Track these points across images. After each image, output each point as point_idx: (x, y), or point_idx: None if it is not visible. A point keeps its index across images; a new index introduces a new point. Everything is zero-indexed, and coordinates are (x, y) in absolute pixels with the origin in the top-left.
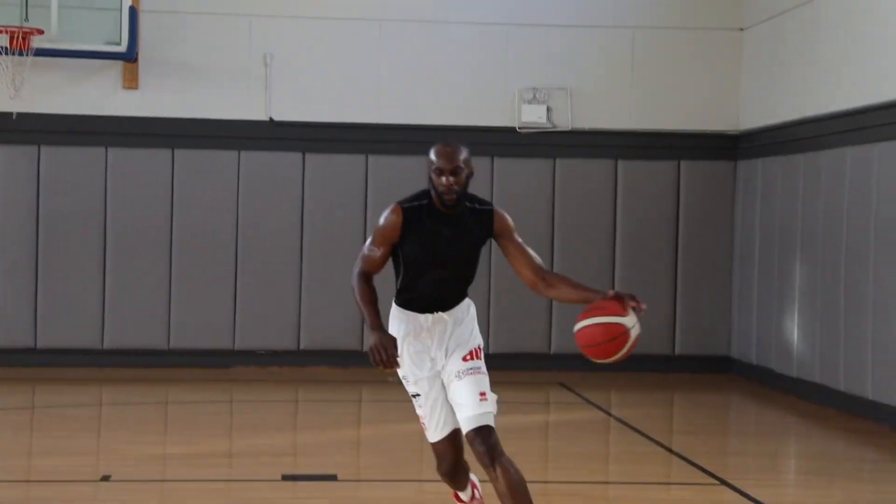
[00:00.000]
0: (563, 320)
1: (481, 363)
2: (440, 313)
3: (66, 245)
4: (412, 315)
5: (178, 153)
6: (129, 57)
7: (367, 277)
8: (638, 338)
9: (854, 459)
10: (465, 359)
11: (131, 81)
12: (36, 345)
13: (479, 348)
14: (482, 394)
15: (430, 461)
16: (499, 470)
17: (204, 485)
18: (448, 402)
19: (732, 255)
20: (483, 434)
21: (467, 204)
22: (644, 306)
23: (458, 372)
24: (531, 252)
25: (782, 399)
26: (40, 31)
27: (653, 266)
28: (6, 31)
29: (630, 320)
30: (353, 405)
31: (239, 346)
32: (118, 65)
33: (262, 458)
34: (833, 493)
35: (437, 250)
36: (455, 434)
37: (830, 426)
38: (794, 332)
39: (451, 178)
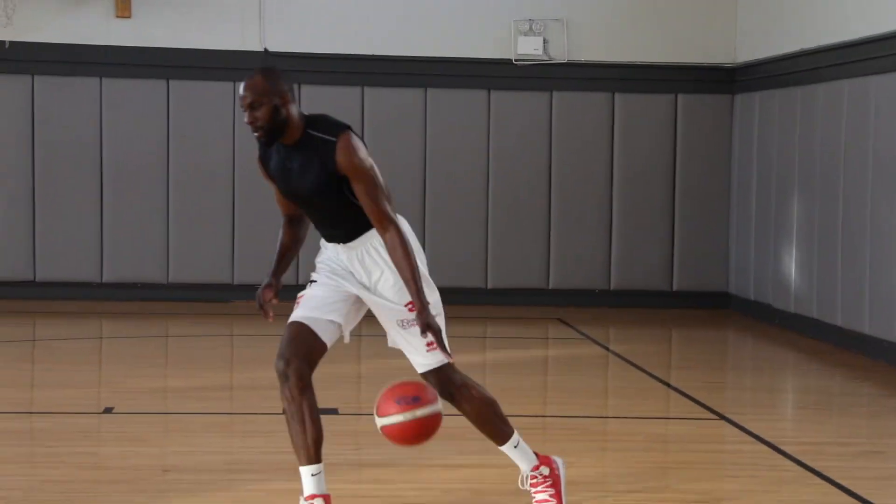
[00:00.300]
0: (561, 254)
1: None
2: (338, 245)
3: (62, 176)
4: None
5: (173, 84)
6: None
7: (286, 220)
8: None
9: (850, 394)
10: (409, 309)
11: (124, 10)
12: (35, 277)
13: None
14: (429, 343)
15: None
16: (458, 401)
17: (206, 418)
18: (339, 303)
19: (730, 189)
20: (437, 374)
21: (312, 132)
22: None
23: (402, 322)
24: (373, 200)
25: (780, 334)
26: None
27: (650, 201)
28: None
29: (439, 401)
30: (353, 340)
31: (238, 279)
32: None
33: (262, 391)
34: (829, 427)
35: (290, 185)
36: (311, 329)
37: (827, 361)
38: (791, 267)
39: (249, 115)
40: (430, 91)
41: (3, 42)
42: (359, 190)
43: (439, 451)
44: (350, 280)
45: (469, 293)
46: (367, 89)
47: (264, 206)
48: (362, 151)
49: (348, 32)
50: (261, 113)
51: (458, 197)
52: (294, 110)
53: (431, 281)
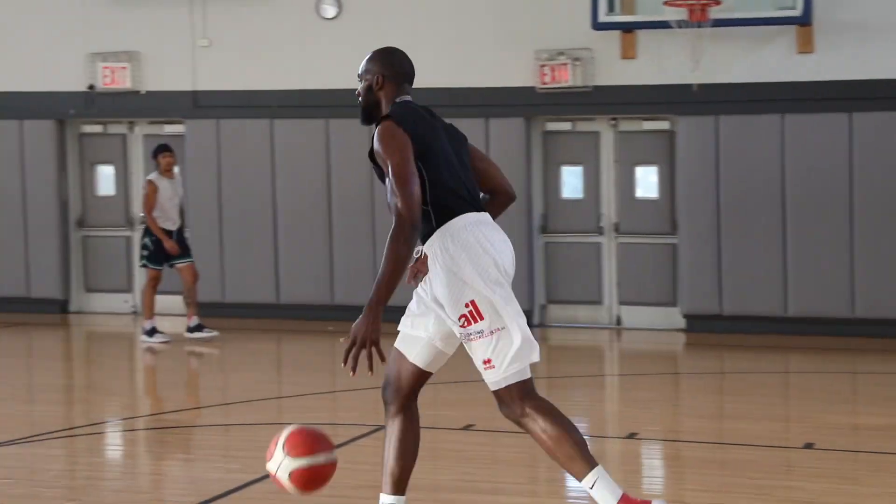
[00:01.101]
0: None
1: (477, 326)
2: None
3: (745, 212)
4: None
5: (857, 117)
6: (804, 20)
7: None
8: None
9: None
10: (461, 325)
11: (806, 45)
12: (721, 311)
13: (471, 305)
14: (486, 361)
15: None
16: (526, 426)
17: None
18: (421, 317)
19: None
20: (498, 395)
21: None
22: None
23: (461, 335)
24: (391, 189)
25: None
26: (717, 2)
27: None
28: (686, 5)
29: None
30: None
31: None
32: (792, 30)
33: None
34: None
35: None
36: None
37: None
38: None
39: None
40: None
41: (691, 86)
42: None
43: None
44: (421, 288)
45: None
46: None
47: None
48: (389, 140)
49: None
50: (359, 90)
51: None
52: (383, 95)
53: (506, 294)
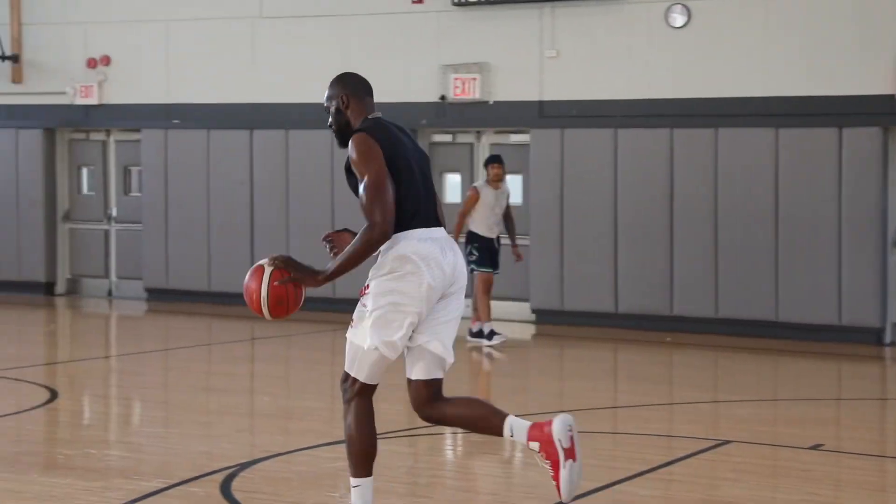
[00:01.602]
0: None
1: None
2: None
3: None
4: None
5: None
6: None
7: None
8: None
9: None
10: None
11: None
12: None
13: (369, 287)
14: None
15: None
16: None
17: None
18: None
19: None
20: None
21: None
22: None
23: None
24: (363, 199)
25: None
26: None
27: None
28: None
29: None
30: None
31: None
32: None
33: None
34: None
35: None
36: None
37: None
38: None
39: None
40: None
41: None
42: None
43: None
44: None
45: None
46: None
47: None
48: (363, 151)
49: None
50: (329, 119)
51: None
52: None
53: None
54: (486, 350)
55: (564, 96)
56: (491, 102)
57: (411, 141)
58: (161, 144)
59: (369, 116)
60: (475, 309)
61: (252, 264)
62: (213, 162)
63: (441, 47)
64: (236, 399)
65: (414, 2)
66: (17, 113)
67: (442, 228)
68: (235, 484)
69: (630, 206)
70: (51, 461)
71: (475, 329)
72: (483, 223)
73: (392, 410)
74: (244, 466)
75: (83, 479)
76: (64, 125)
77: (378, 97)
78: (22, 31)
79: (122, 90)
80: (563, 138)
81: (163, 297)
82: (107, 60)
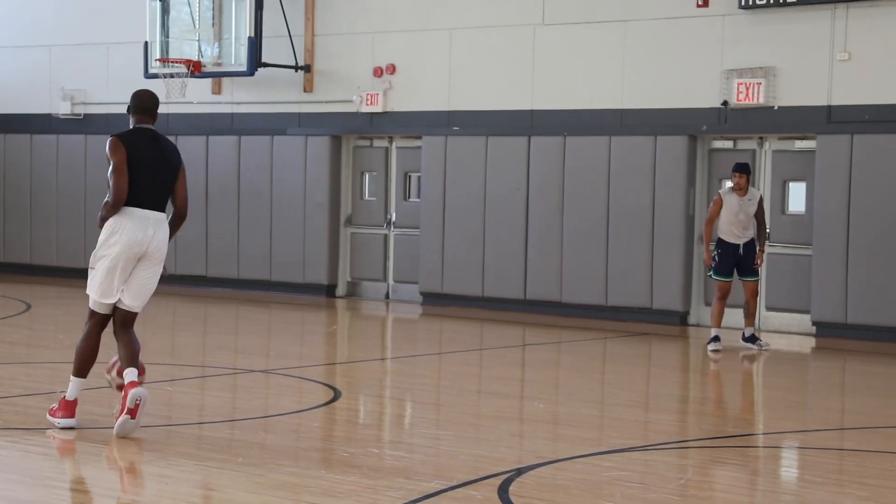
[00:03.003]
0: None
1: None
2: None
3: None
4: None
5: None
6: None
7: None
8: None
9: None
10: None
11: None
12: None
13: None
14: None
15: None
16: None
17: None
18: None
19: None
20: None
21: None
22: None
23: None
24: (110, 179)
25: None
26: None
27: None
28: None
29: None
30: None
31: None
32: None
33: None
34: None
35: None
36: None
37: None
38: None
39: None
40: None
41: None
42: None
43: None
44: None
45: None
46: None
47: None
48: (110, 149)
49: None
50: None
51: None
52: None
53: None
54: (760, 350)
55: (855, 101)
56: (776, 108)
57: (165, 152)
58: (441, 151)
59: (134, 127)
60: (746, 315)
61: (526, 271)
62: (490, 168)
63: (725, 51)
64: (508, 403)
65: (699, 6)
66: (307, 121)
67: (154, 212)
68: (513, 489)
69: None
70: (333, 458)
71: (747, 334)
72: (727, 229)
73: (664, 420)
74: (520, 472)
75: (367, 478)
76: (349, 132)
77: (656, 103)
78: (315, 42)
79: (405, 98)
80: (853, 144)
81: (437, 301)
82: (392, 69)
